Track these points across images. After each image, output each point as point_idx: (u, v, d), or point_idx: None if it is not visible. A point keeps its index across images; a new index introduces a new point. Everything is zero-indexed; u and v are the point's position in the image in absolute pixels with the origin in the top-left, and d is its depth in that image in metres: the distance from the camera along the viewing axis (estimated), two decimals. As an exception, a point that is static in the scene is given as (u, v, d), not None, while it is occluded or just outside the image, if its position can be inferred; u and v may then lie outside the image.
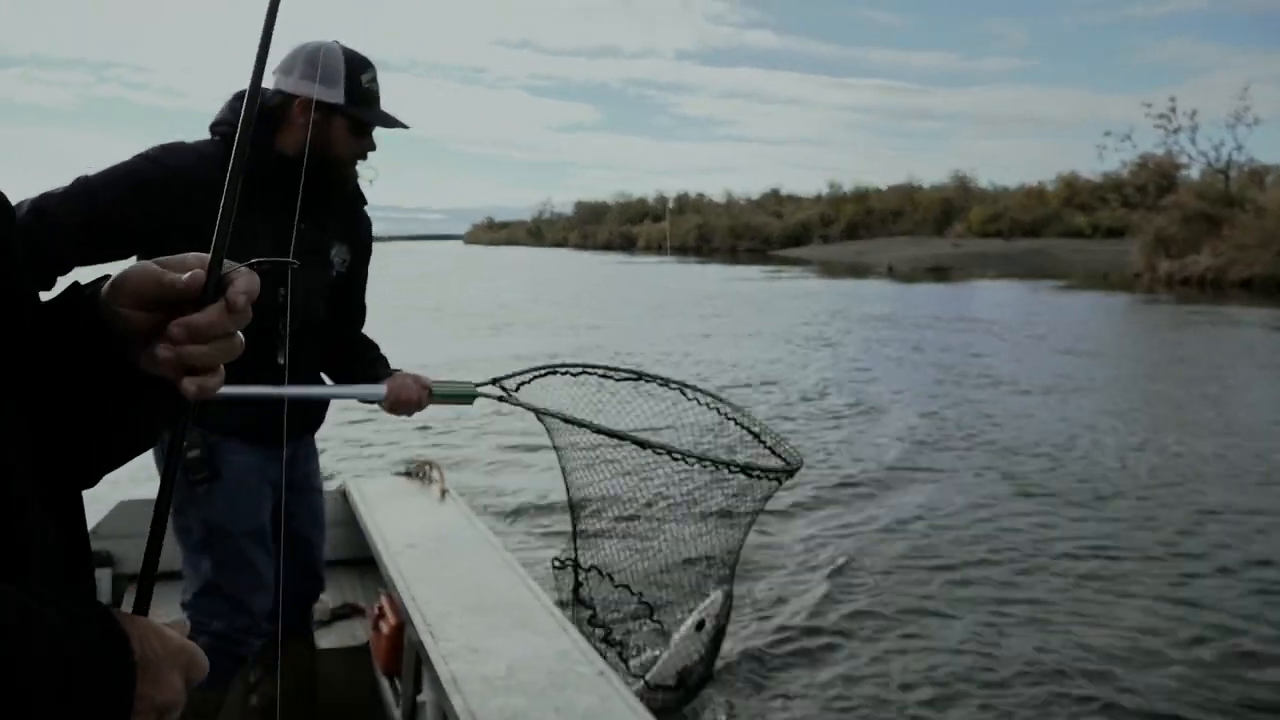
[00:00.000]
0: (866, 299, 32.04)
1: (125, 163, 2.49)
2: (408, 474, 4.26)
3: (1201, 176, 44.63)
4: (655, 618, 2.47)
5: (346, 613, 3.59)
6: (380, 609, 3.35)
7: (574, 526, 2.46)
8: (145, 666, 0.70)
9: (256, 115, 2.67)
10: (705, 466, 2.28)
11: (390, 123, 2.68)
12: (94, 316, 0.84)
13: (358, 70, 2.60)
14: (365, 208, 2.92)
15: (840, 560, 6.53)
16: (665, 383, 2.62)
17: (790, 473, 2.34)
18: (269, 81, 2.62)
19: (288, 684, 2.82)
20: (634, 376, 2.43)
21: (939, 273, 49.20)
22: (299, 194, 2.10)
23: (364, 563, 3.90)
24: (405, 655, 3.12)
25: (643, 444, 2.32)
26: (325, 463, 8.86)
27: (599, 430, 2.17)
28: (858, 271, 51.39)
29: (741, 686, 4.58)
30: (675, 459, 2.28)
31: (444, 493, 3.97)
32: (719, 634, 2.24)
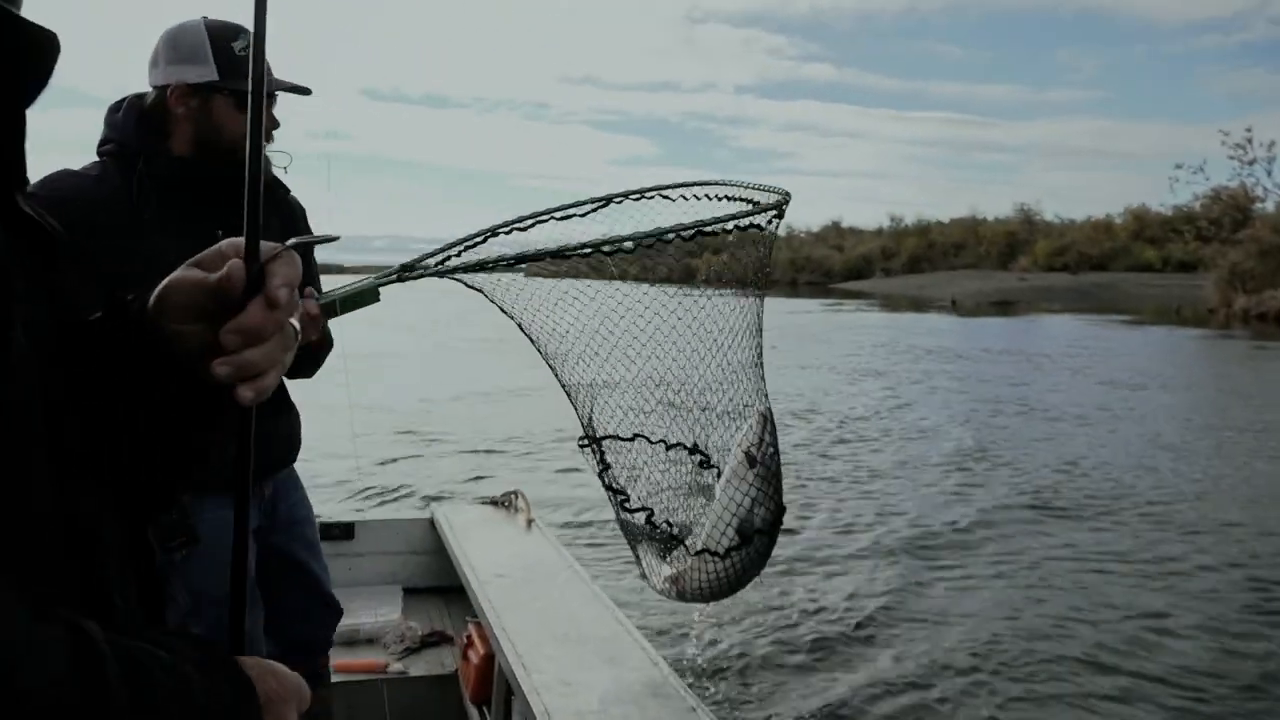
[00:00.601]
0: (926, 332, 31.78)
1: None
2: (494, 503, 4.29)
3: (1278, 209, 43.56)
4: (699, 463, 2.03)
5: (435, 640, 3.62)
6: (469, 637, 3.37)
7: (573, 402, 1.97)
8: (268, 707, 0.73)
9: (136, 122, 2.41)
10: (671, 239, 1.64)
11: (281, 87, 2.34)
12: (145, 337, 0.81)
13: (227, 39, 2.28)
14: (291, 195, 2.58)
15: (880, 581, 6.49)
16: (640, 195, 1.98)
17: (777, 207, 1.81)
18: (144, 84, 2.36)
19: None
20: (601, 203, 1.79)
21: (1004, 306, 48.52)
22: (211, 193, 1.84)
23: (451, 590, 3.92)
24: (495, 685, 3.12)
25: (569, 252, 1.68)
26: (414, 492, 9.16)
27: (525, 259, 1.68)
28: (920, 305, 50.90)
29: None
30: (628, 252, 1.69)
31: (530, 522, 3.99)
32: (774, 461, 1.83)
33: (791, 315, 42.42)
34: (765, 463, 1.81)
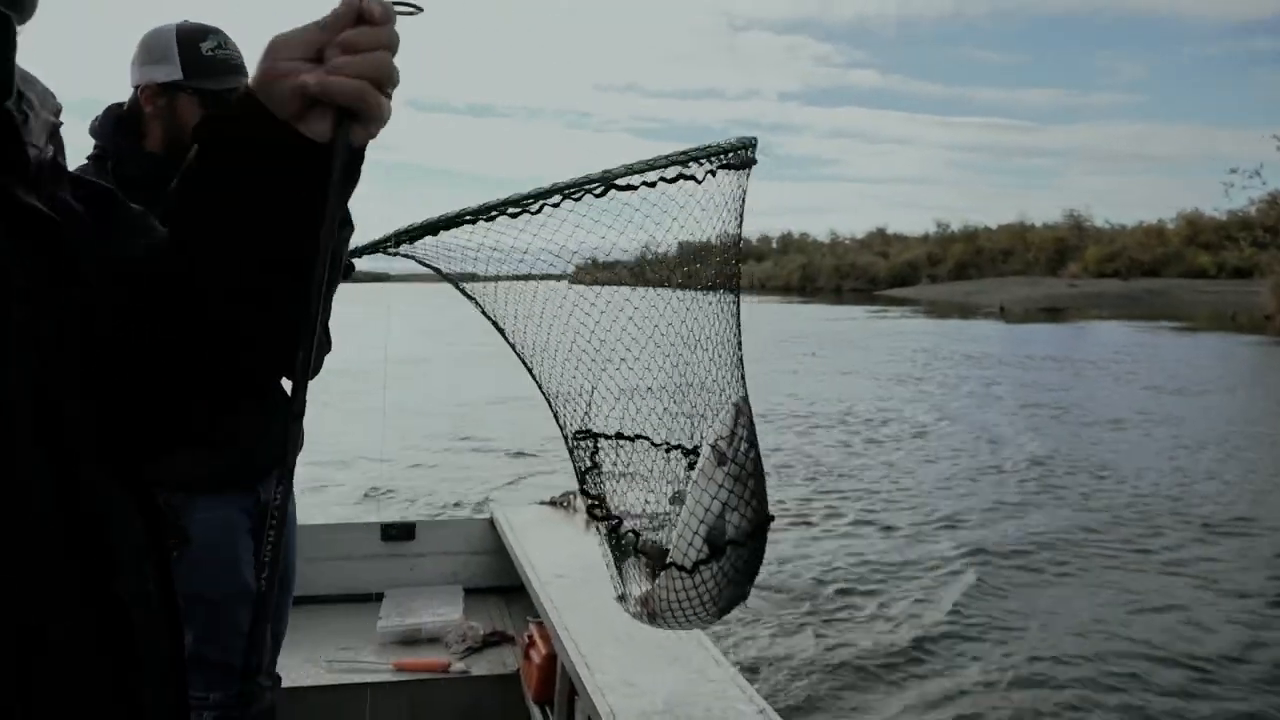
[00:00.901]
0: (970, 339, 31.54)
1: None
2: (552, 503, 4.30)
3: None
4: (690, 465, 1.75)
5: (496, 640, 3.64)
6: (530, 637, 3.38)
7: (548, 401, 1.67)
8: None
9: (115, 124, 2.35)
10: (580, 195, 1.37)
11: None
12: (250, 103, 0.82)
13: (194, 40, 2.33)
14: None
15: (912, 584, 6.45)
16: (648, 167, 1.48)
17: (741, 151, 1.50)
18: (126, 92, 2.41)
19: None
20: (569, 193, 1.44)
21: (1053, 313, 47.88)
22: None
23: (511, 590, 3.94)
24: (558, 685, 3.13)
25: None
26: (473, 492, 9.27)
27: (425, 230, 1.46)
28: (967, 312, 50.36)
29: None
30: (512, 217, 1.35)
31: (589, 522, 4.00)
32: (748, 459, 1.59)
33: (834, 322, 42.20)
34: (737, 460, 1.58)
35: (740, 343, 1.71)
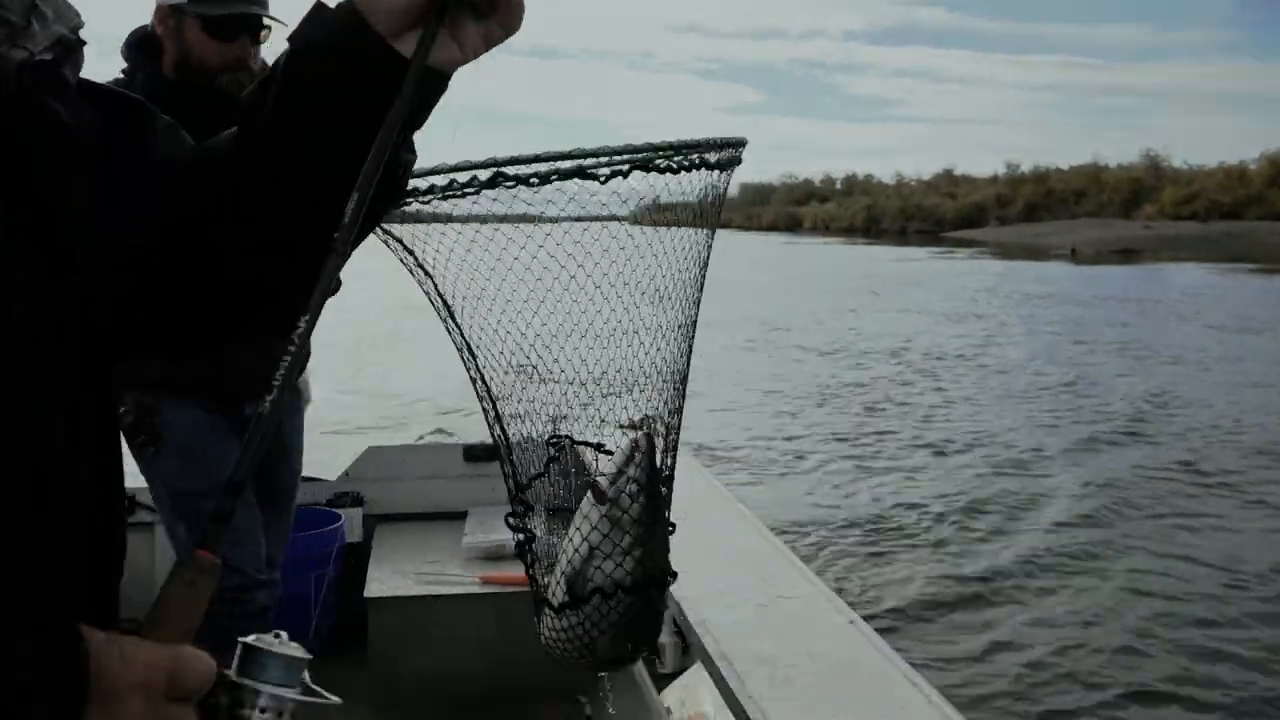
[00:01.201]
0: (1035, 279, 31.07)
1: None
2: (632, 426, 4.31)
3: None
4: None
5: (580, 556, 3.72)
6: (614, 554, 3.43)
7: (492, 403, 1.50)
8: (103, 697, 0.64)
9: (136, 44, 2.39)
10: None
11: (251, 21, 2.36)
12: (354, 37, 0.79)
13: None
14: None
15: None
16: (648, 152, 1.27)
17: (731, 149, 1.29)
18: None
19: None
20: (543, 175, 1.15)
21: (1127, 255, 46.67)
22: (183, 113, 1.92)
23: (593, 510, 4.01)
24: None
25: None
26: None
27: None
28: (1036, 253, 49.34)
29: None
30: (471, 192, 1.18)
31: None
32: (634, 500, 1.40)
33: (898, 263, 41.67)
34: (620, 503, 1.39)
35: (690, 354, 1.42)
